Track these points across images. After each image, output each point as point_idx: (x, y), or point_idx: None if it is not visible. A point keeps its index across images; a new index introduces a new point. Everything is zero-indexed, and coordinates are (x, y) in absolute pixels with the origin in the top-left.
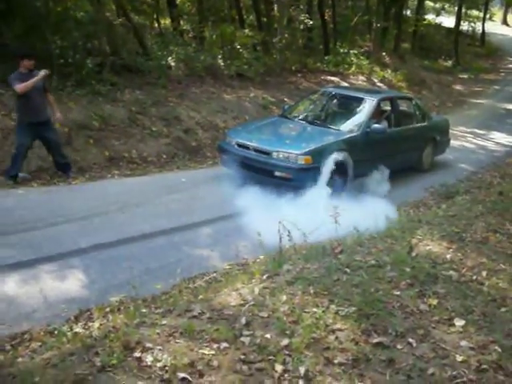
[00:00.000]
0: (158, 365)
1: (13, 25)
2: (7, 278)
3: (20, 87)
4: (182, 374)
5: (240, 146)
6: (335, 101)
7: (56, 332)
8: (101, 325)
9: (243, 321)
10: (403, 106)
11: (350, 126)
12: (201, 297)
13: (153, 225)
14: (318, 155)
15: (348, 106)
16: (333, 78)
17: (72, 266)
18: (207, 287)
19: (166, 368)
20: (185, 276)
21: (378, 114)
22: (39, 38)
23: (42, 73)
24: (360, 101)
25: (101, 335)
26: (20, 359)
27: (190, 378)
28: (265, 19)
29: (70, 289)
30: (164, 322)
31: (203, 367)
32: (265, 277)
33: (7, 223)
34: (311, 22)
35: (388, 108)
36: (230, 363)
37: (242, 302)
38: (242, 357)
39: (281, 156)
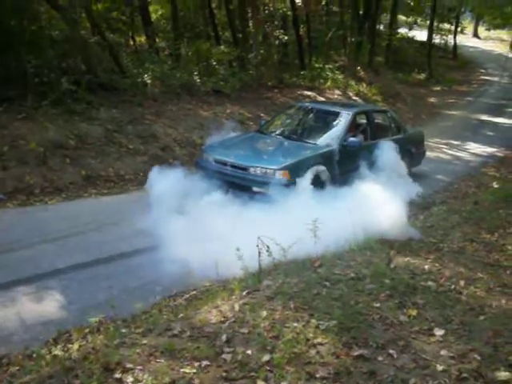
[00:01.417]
0: None
1: None
2: None
3: None
4: None
5: (217, 162)
6: (311, 115)
7: (34, 355)
8: (80, 346)
9: (224, 338)
10: (379, 119)
11: (327, 139)
12: (181, 315)
13: (130, 244)
14: (296, 170)
15: (324, 120)
16: (309, 93)
17: (50, 287)
18: (187, 305)
19: None
20: (165, 295)
21: (353, 127)
22: (14, 57)
23: None
24: (336, 115)
25: (80, 357)
26: None
27: None
28: (240, 35)
29: (47, 310)
30: (144, 341)
31: None
32: (245, 293)
33: None
34: (286, 38)
35: (364, 121)
36: (211, 381)
37: (223, 318)
38: (224, 374)
39: (258, 171)
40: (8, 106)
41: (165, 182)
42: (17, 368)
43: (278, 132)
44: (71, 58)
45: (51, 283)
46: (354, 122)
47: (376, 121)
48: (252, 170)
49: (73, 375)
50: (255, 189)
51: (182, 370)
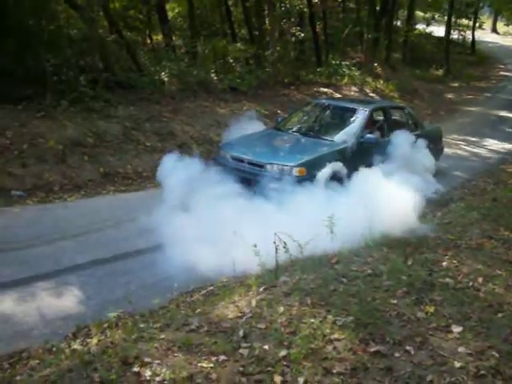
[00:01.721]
0: (157, 379)
1: (6, 44)
2: (4, 297)
3: None
4: None
5: (234, 159)
6: (328, 112)
7: (54, 349)
8: (99, 341)
9: (241, 333)
10: (396, 116)
11: (344, 136)
12: (198, 310)
13: (147, 240)
14: (313, 166)
15: (341, 116)
16: (326, 90)
17: (69, 282)
18: (204, 301)
19: (165, 382)
20: (182, 290)
21: (370, 124)
22: (33, 56)
23: None
24: (353, 111)
25: (99, 351)
26: (18, 377)
27: None
28: (257, 33)
29: (67, 305)
30: (162, 336)
31: (202, 380)
32: (262, 289)
33: (3, 241)
34: (303, 35)
35: (381, 118)
36: (228, 376)
37: (240, 314)
38: (241, 369)
39: (275, 168)
40: (27, 105)
41: (176, 171)
42: (37, 361)
43: (294, 129)
44: (89, 57)
45: (70, 279)
46: (370, 119)
47: (393, 117)
48: (269, 166)
49: (91, 368)
50: (272, 186)
51: (199, 364)
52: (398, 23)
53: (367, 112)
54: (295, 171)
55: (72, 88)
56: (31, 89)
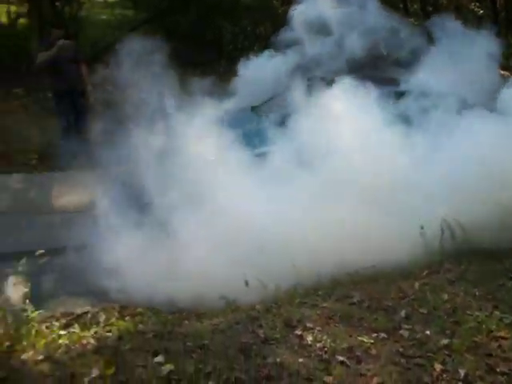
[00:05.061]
0: (318, 345)
1: (188, 12)
2: None
3: None
4: (340, 358)
5: None
6: None
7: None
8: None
9: (403, 314)
10: None
11: None
12: (359, 286)
13: None
14: None
15: None
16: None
17: None
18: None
19: (325, 349)
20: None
21: None
22: (209, 24)
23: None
24: None
25: (263, 309)
26: (186, 322)
27: (349, 363)
28: (430, 8)
29: None
30: (324, 304)
31: (361, 354)
32: (424, 273)
33: None
34: (481, 11)
35: None
36: (388, 354)
37: (401, 295)
38: (401, 349)
39: None
40: (203, 70)
41: None
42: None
43: None
44: (262, 26)
45: None
46: None
47: None
48: None
49: (257, 325)
50: None
51: (359, 337)
52: None
53: None
54: None
55: (246, 56)
56: (207, 55)
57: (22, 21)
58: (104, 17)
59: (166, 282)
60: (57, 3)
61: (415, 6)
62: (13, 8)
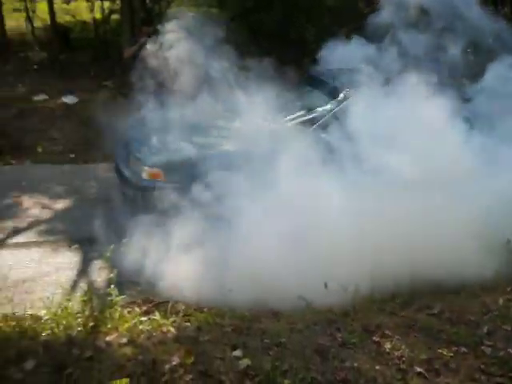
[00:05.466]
0: (396, 354)
1: (273, 12)
2: None
3: None
4: (418, 369)
5: None
6: None
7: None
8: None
9: (485, 329)
10: None
11: None
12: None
13: None
14: None
15: None
16: None
17: None
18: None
19: (403, 359)
20: None
21: None
22: (295, 23)
23: None
24: None
25: (340, 313)
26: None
27: (427, 375)
28: None
29: None
30: (402, 313)
31: (440, 367)
32: (509, 289)
33: None
34: None
35: None
36: (468, 369)
37: (484, 309)
38: (482, 366)
39: None
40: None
41: None
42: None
43: None
44: (344, 27)
45: None
46: None
47: None
48: None
49: (335, 327)
50: None
51: (438, 350)
52: None
53: None
54: None
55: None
56: (290, 55)
57: (114, 17)
58: (191, 14)
59: (242, 280)
60: (147, 0)
61: (506, 9)
62: (106, 4)
